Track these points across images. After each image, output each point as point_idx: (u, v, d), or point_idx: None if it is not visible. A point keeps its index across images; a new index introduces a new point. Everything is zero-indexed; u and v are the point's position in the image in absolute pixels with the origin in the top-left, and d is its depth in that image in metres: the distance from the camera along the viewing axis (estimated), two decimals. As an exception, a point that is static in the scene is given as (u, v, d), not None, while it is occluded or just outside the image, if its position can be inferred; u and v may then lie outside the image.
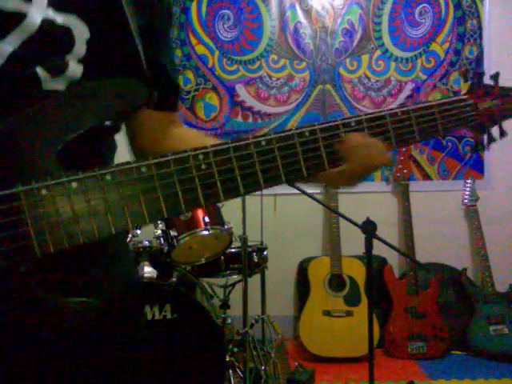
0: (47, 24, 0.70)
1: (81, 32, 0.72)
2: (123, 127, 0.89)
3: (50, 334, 0.69)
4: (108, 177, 0.66)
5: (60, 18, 0.71)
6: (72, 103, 0.68)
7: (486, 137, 0.90)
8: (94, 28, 0.73)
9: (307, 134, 0.76)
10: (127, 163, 0.68)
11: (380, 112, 0.80)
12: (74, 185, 0.65)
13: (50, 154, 0.66)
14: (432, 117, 0.82)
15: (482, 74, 0.89)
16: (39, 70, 0.70)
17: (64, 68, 0.71)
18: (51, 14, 0.71)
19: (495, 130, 0.90)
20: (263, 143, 0.73)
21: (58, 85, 0.71)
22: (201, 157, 0.69)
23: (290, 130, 0.75)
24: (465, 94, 0.87)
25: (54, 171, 0.65)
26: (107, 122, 0.76)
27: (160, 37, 0.85)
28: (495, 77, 0.89)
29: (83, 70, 0.72)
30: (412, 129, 0.81)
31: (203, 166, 0.69)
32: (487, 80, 0.89)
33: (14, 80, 0.69)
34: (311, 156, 0.76)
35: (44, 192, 0.64)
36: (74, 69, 0.72)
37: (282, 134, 0.74)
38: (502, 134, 0.89)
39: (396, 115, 0.80)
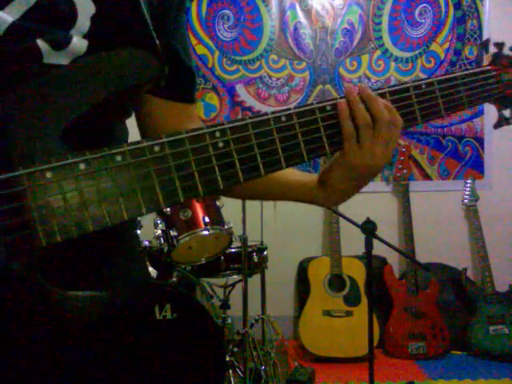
0: None
1: (85, 6, 0.68)
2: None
3: (54, 327, 0.65)
4: (118, 157, 0.61)
5: None
6: (76, 77, 0.63)
7: (510, 111, 0.87)
8: (99, 3, 0.69)
9: (329, 108, 0.72)
10: (139, 142, 0.62)
11: (404, 84, 0.77)
12: (82, 166, 0.59)
13: (53, 134, 0.61)
14: (456, 89, 0.79)
15: (502, 45, 0.86)
16: (40, 43, 0.65)
17: (67, 42, 0.67)
18: None
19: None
20: (283, 119, 0.69)
21: (61, 59, 0.66)
22: (218, 134, 0.65)
23: (311, 103, 0.71)
24: (487, 65, 0.84)
25: (58, 153, 0.60)
26: (116, 99, 0.71)
27: (172, 18, 0.80)
28: None
29: (88, 45, 0.68)
30: (437, 101, 0.78)
31: (220, 144, 0.65)
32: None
33: (13, 52, 0.64)
34: (334, 132, 0.72)
35: (49, 175, 0.58)
36: (79, 44, 0.67)
37: (303, 109, 0.71)
38: None
39: (420, 87, 0.77)
